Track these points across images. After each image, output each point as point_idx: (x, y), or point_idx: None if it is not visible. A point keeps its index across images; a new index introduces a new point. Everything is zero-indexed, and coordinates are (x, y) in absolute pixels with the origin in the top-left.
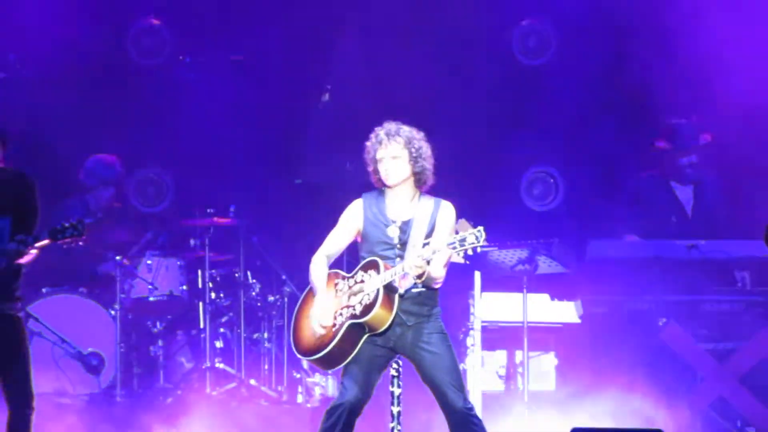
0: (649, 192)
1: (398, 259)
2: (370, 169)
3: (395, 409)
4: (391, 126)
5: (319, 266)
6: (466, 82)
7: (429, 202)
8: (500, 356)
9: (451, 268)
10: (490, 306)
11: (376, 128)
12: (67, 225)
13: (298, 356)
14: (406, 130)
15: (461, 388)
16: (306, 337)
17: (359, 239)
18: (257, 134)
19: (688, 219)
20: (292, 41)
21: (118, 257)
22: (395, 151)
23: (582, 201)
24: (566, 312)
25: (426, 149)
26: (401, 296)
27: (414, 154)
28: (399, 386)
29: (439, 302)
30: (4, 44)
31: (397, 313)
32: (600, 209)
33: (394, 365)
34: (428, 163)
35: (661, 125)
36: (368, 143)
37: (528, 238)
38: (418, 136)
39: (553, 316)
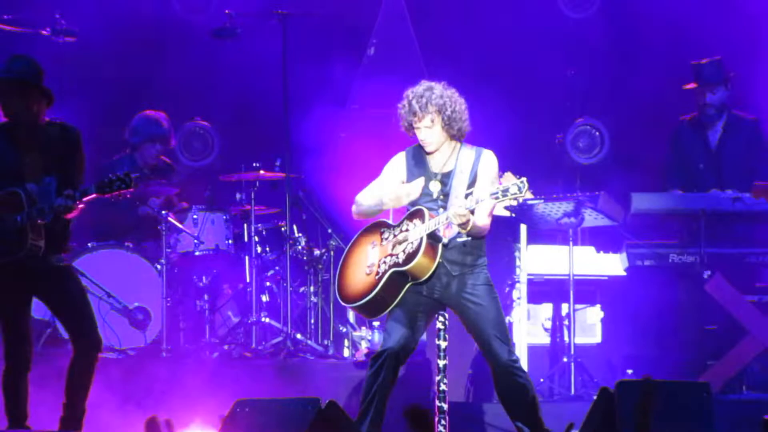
0: (684, 137)
1: (441, 210)
2: (405, 130)
3: (441, 362)
4: (421, 92)
5: (366, 195)
6: (510, 34)
7: (470, 152)
8: (546, 309)
9: (497, 221)
10: (536, 259)
11: (406, 92)
12: (114, 178)
13: (342, 303)
14: (436, 94)
15: (507, 340)
16: (351, 285)
17: None
18: (303, 88)
19: (713, 160)
20: None
21: (163, 212)
22: (428, 121)
23: (628, 153)
24: (612, 265)
25: (459, 107)
26: (445, 245)
27: (447, 121)
28: (445, 339)
29: (485, 253)
30: (50, 3)
31: (442, 263)
32: (646, 161)
33: (440, 318)
34: (463, 121)
35: (690, 68)
36: (400, 109)
37: (574, 191)
38: (449, 95)
39: (599, 268)
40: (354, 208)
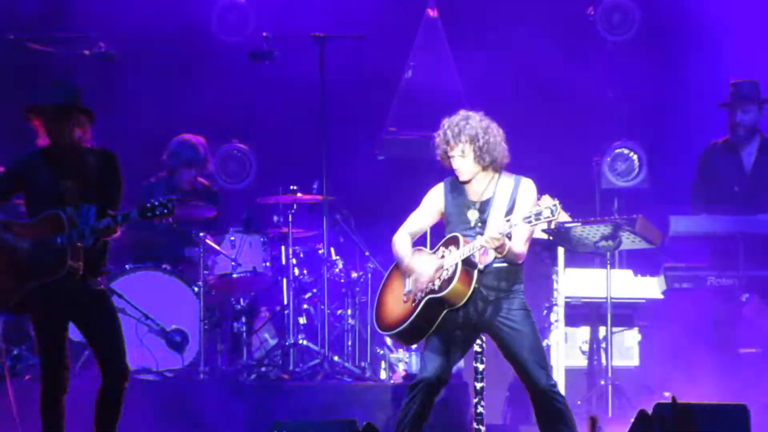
0: (716, 160)
1: (479, 237)
2: (442, 160)
3: (479, 385)
4: (456, 121)
5: (402, 240)
6: (548, 57)
7: (509, 180)
8: (583, 332)
9: (535, 243)
10: (574, 282)
11: (444, 121)
12: (156, 203)
13: (379, 331)
14: (472, 125)
15: (544, 365)
16: (388, 313)
17: (444, 221)
18: (341, 110)
19: (748, 182)
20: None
21: (201, 234)
22: (460, 150)
23: (666, 176)
24: (650, 288)
25: (493, 138)
26: (480, 271)
27: (480, 152)
28: (482, 362)
29: (522, 279)
30: (87, 21)
31: (478, 289)
32: (685, 184)
33: (478, 341)
34: (498, 151)
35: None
36: (436, 138)
37: (611, 214)
38: (483, 127)
39: (637, 291)
40: (392, 245)
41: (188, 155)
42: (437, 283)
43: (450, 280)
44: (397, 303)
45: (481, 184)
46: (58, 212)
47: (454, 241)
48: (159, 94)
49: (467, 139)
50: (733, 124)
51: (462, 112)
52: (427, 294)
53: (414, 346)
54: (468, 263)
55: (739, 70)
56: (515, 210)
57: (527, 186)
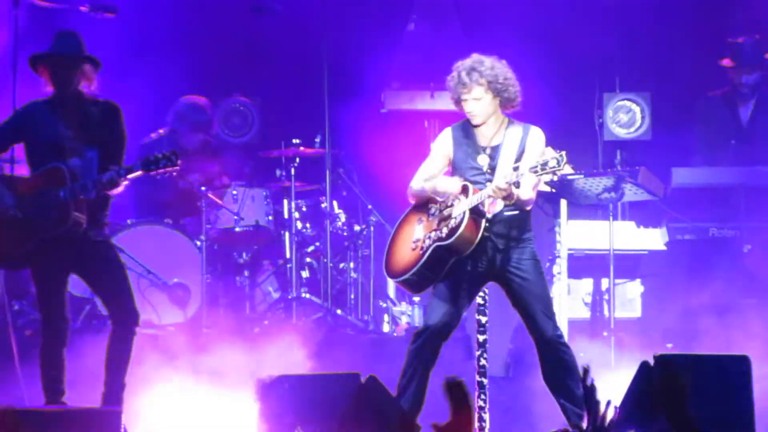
0: (714, 112)
1: (488, 184)
2: (451, 99)
3: (481, 337)
4: (471, 64)
5: (418, 184)
6: (551, 8)
7: (518, 127)
8: (586, 284)
9: (537, 195)
10: (577, 234)
11: (456, 64)
12: (160, 156)
13: (388, 277)
14: (487, 66)
15: (551, 315)
16: (397, 259)
17: (451, 168)
18: (342, 63)
19: (744, 136)
20: None
21: (203, 188)
22: (478, 93)
23: (669, 128)
24: (652, 239)
25: (510, 78)
26: (489, 220)
27: (498, 91)
28: (485, 314)
29: (531, 227)
30: None
31: (488, 237)
32: (687, 135)
33: (480, 293)
34: (512, 92)
35: (726, 44)
36: (449, 81)
37: (614, 165)
38: (499, 67)
39: (639, 243)
40: (408, 192)
41: (195, 117)
42: (444, 231)
43: (457, 228)
44: (406, 250)
45: (491, 129)
46: (59, 165)
47: (464, 190)
48: (160, 48)
49: (485, 82)
50: (738, 84)
51: (475, 56)
52: (434, 241)
53: (417, 299)
54: (476, 212)
55: (741, 22)
56: (524, 158)
57: (536, 134)
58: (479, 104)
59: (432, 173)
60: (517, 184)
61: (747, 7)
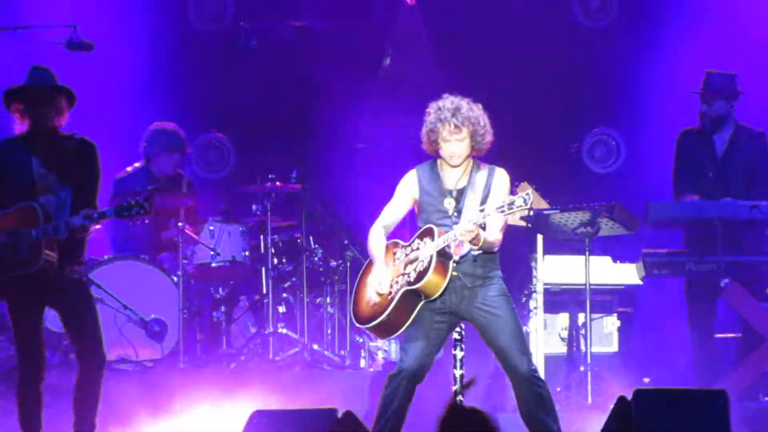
0: (691, 146)
1: (455, 227)
2: (426, 139)
3: (458, 372)
4: (456, 105)
5: (376, 237)
6: (526, 44)
7: (483, 170)
8: (563, 319)
9: (514, 231)
10: (553, 269)
11: (439, 102)
12: (133, 203)
13: (357, 325)
14: (472, 113)
15: (525, 351)
16: (364, 306)
17: (416, 209)
18: (318, 100)
19: (719, 169)
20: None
21: (179, 224)
22: (462, 135)
23: (644, 162)
24: (628, 274)
25: (486, 123)
26: (456, 263)
27: (478, 137)
28: (462, 349)
29: (499, 266)
30: (63, 12)
31: (457, 276)
32: (663, 170)
33: (457, 329)
34: (487, 139)
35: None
36: (431, 116)
37: (590, 200)
38: (479, 113)
39: (616, 278)
40: (368, 241)
41: (170, 140)
42: (413, 274)
43: (425, 271)
44: (373, 295)
45: (458, 171)
46: (32, 204)
47: (429, 233)
48: (136, 84)
49: (469, 125)
50: (700, 114)
51: (449, 97)
52: (403, 286)
53: (389, 339)
54: (443, 254)
55: (716, 57)
56: (489, 199)
57: (501, 176)
58: (462, 146)
59: (396, 216)
60: (484, 226)
61: (727, 45)
